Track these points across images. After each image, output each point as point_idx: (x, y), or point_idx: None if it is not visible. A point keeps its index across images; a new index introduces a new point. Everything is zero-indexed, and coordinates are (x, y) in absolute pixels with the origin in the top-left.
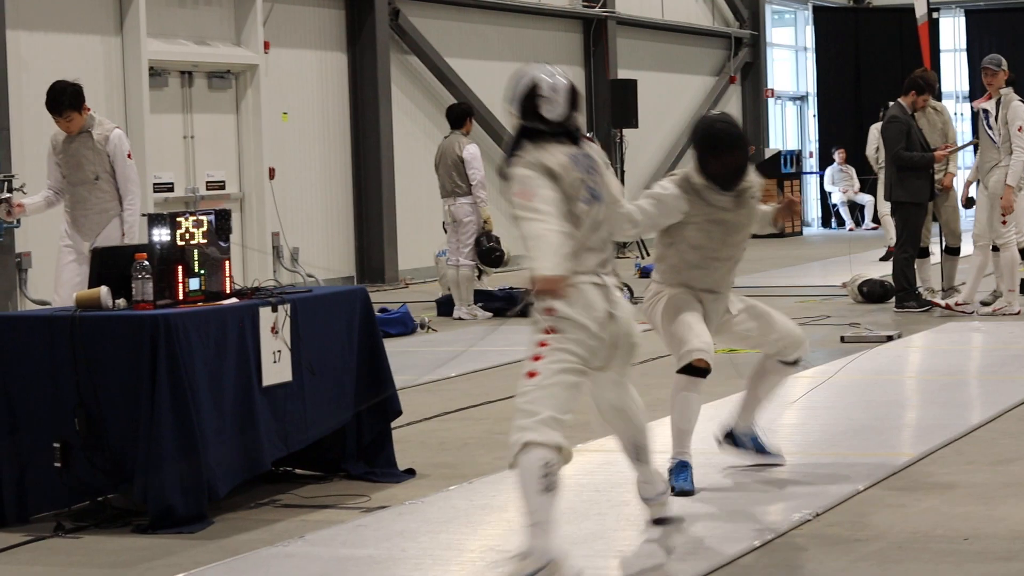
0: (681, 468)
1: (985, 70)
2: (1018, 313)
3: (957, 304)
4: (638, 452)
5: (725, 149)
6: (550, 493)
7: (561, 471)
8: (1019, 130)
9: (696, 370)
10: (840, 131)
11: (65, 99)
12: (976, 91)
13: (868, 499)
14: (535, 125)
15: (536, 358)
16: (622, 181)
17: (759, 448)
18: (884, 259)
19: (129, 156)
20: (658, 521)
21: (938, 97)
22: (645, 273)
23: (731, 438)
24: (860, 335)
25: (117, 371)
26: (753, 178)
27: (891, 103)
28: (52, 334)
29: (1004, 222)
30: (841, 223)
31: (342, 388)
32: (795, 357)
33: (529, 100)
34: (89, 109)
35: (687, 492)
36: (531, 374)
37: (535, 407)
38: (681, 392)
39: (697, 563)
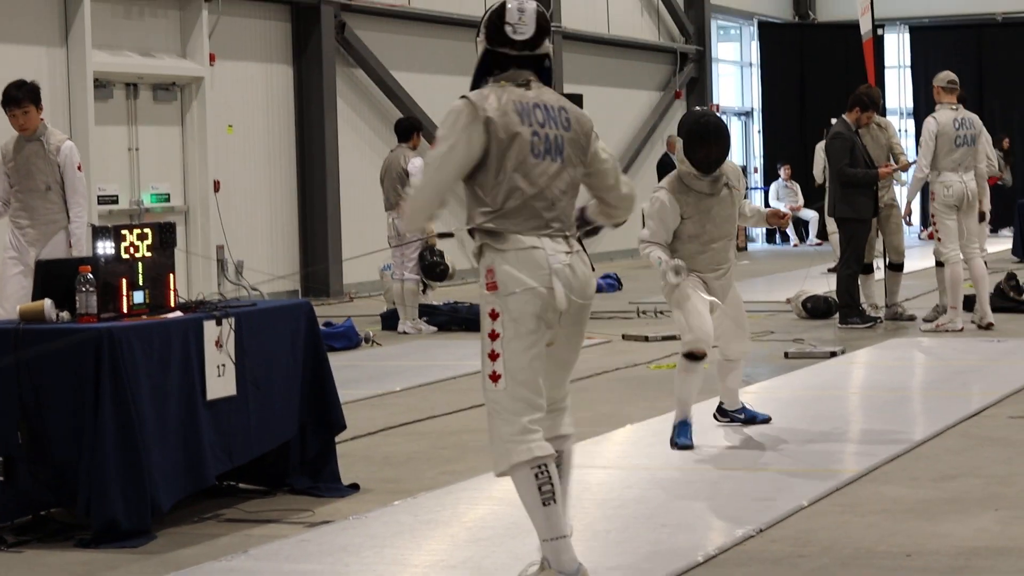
0: (682, 426)
1: None
2: (961, 330)
3: (939, 325)
4: (559, 464)
5: (711, 139)
6: (551, 506)
7: (554, 476)
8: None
9: (693, 356)
10: (785, 147)
11: (23, 92)
12: (920, 107)
13: (812, 515)
14: (502, 50)
15: (493, 355)
16: None
17: (751, 416)
18: (832, 271)
19: (79, 168)
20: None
21: (883, 113)
22: None
23: (723, 413)
24: (804, 351)
25: (61, 384)
26: (727, 168)
27: (834, 120)
28: None
29: (939, 239)
30: (785, 239)
31: (286, 402)
32: (731, 363)
33: (495, 22)
34: (43, 117)
35: (687, 447)
36: (494, 377)
37: (511, 415)
38: (682, 372)
39: None
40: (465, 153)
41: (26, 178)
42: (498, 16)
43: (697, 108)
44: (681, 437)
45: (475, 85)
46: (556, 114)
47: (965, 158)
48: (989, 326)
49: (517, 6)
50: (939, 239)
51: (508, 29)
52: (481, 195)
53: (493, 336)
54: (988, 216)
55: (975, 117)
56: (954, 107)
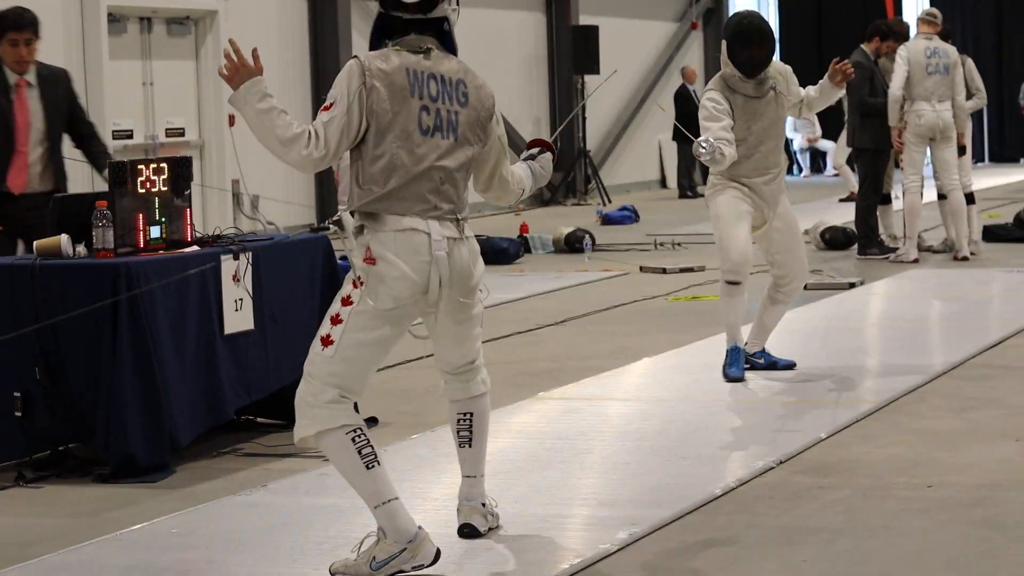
0: (734, 352)
1: None
2: (915, 261)
3: (896, 256)
4: (471, 432)
5: (754, 41)
6: (375, 468)
7: (372, 440)
8: None
9: (732, 282)
10: (802, 78)
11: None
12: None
13: (832, 446)
14: (394, 13)
15: (335, 320)
16: (583, 127)
17: (771, 362)
18: (844, 200)
19: None
20: (464, 527)
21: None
22: (608, 220)
23: (746, 360)
24: (823, 282)
25: (78, 320)
26: (774, 71)
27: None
28: (12, 282)
29: (902, 168)
30: (800, 169)
31: (305, 336)
32: (781, 296)
33: None
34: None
35: (738, 378)
36: (326, 341)
37: (322, 385)
38: (725, 297)
39: (660, 510)
40: (349, 120)
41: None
42: None
43: (742, 10)
44: (732, 368)
45: (373, 49)
46: (453, 88)
47: (938, 87)
48: (964, 259)
49: None
50: (902, 167)
51: None
52: (362, 170)
53: (345, 302)
54: (968, 149)
55: (950, 48)
56: (928, 37)
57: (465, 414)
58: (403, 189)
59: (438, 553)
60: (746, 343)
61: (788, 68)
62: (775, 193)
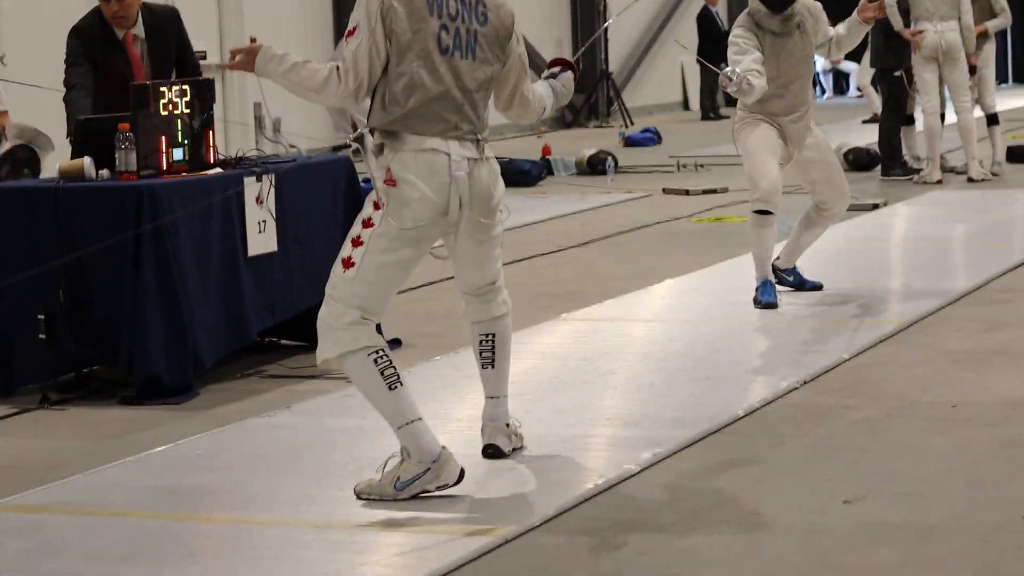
0: (764, 285)
1: None
2: (938, 182)
3: (920, 178)
4: (493, 353)
5: None
6: (399, 389)
7: (394, 360)
8: None
9: (763, 211)
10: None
11: None
12: None
13: (856, 366)
14: None
15: (356, 242)
16: (605, 49)
17: (799, 282)
18: (868, 121)
19: None
20: (488, 447)
21: None
22: (630, 142)
23: (775, 274)
24: None
25: (101, 241)
26: (801, 7)
27: None
28: (35, 205)
29: (917, 90)
30: (823, 91)
31: (328, 258)
32: (827, 217)
33: None
34: None
35: (771, 304)
36: (347, 263)
37: (344, 306)
38: (755, 228)
39: (684, 431)
40: (375, 42)
41: None
42: None
43: None
44: (765, 295)
45: None
46: (472, 7)
47: (940, 6)
48: (971, 180)
49: None
50: (917, 90)
51: None
52: (382, 90)
53: (366, 224)
54: (990, 70)
55: None
56: None
57: (487, 335)
58: (423, 108)
59: (462, 473)
60: (777, 258)
61: (818, 5)
62: (802, 131)
